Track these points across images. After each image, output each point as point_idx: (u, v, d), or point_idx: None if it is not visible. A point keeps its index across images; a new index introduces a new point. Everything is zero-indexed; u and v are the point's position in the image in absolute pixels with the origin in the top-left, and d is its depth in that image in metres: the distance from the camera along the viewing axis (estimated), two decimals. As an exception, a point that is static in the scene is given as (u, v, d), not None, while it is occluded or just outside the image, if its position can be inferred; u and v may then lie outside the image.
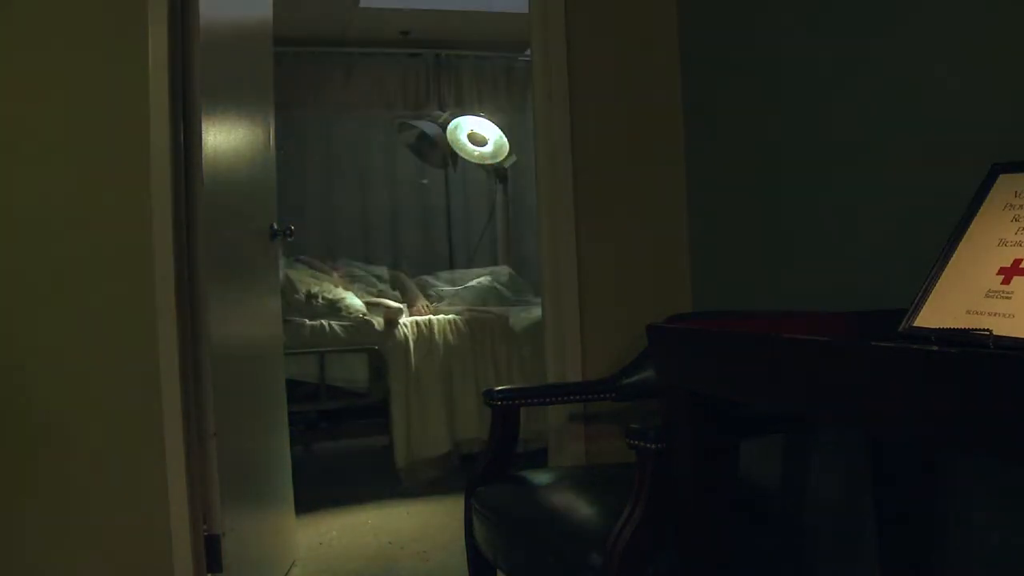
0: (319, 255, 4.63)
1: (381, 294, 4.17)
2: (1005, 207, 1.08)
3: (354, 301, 3.88)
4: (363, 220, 5.46)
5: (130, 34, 2.00)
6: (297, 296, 3.70)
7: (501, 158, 3.97)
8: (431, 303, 3.98)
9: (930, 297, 1.09)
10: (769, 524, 1.58)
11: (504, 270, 4.37)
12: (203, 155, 2.06)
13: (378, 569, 2.65)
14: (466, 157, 3.82)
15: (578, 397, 2.17)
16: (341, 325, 3.65)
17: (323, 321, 3.67)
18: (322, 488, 3.59)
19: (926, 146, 1.49)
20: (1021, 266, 1.01)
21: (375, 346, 3.57)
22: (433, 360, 3.55)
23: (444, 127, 4.44)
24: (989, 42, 1.35)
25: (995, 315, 0.99)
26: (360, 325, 3.64)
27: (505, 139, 3.91)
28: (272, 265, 2.72)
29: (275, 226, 2.62)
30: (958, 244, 1.11)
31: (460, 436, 3.55)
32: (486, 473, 1.86)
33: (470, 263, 5.29)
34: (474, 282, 4.06)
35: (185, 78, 2.05)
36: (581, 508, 1.61)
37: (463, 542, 1.86)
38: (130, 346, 2.01)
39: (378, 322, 3.63)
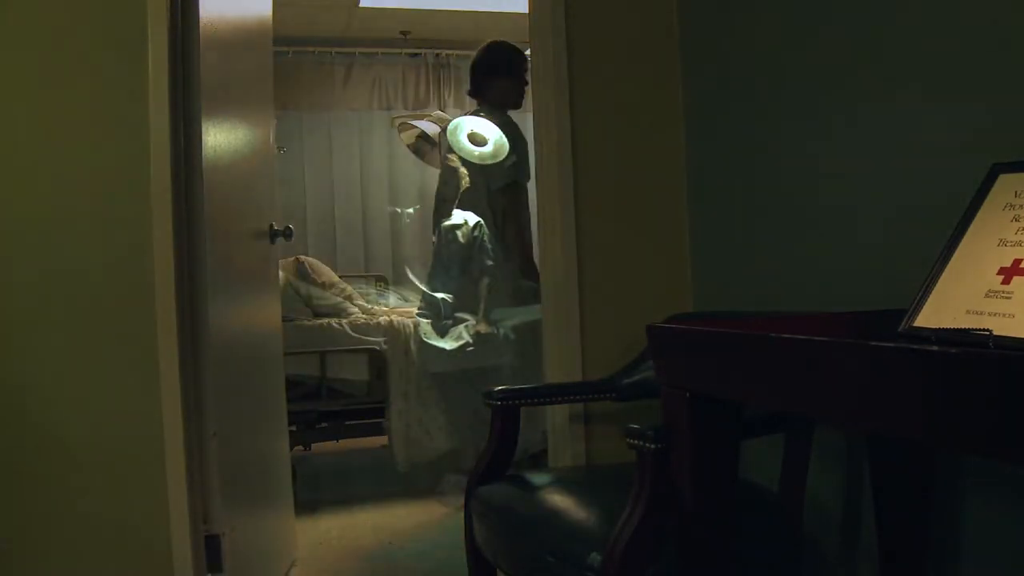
0: (318, 255, 4.63)
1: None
2: (1005, 207, 1.08)
3: (352, 308, 3.89)
4: (363, 220, 5.46)
5: (130, 33, 2.00)
6: (293, 294, 3.71)
7: (501, 158, 3.96)
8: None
9: (930, 297, 1.09)
10: (769, 524, 1.57)
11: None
12: (203, 155, 2.06)
13: (378, 569, 2.65)
14: (466, 157, 3.81)
15: (578, 397, 2.17)
16: (345, 322, 3.65)
17: (327, 320, 3.67)
18: (322, 488, 3.60)
19: (926, 146, 1.49)
20: (1021, 266, 1.01)
21: (376, 346, 3.58)
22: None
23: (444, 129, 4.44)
24: (990, 41, 1.35)
25: (995, 315, 0.99)
26: (365, 324, 3.65)
27: (505, 139, 3.90)
28: (272, 265, 2.72)
29: (275, 226, 2.63)
30: (958, 244, 1.11)
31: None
32: (486, 473, 1.86)
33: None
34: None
35: (185, 78, 2.05)
36: (581, 508, 1.61)
37: (463, 542, 1.86)
38: (130, 346, 2.01)
39: (383, 320, 3.64)
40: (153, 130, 2.00)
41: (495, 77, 3.63)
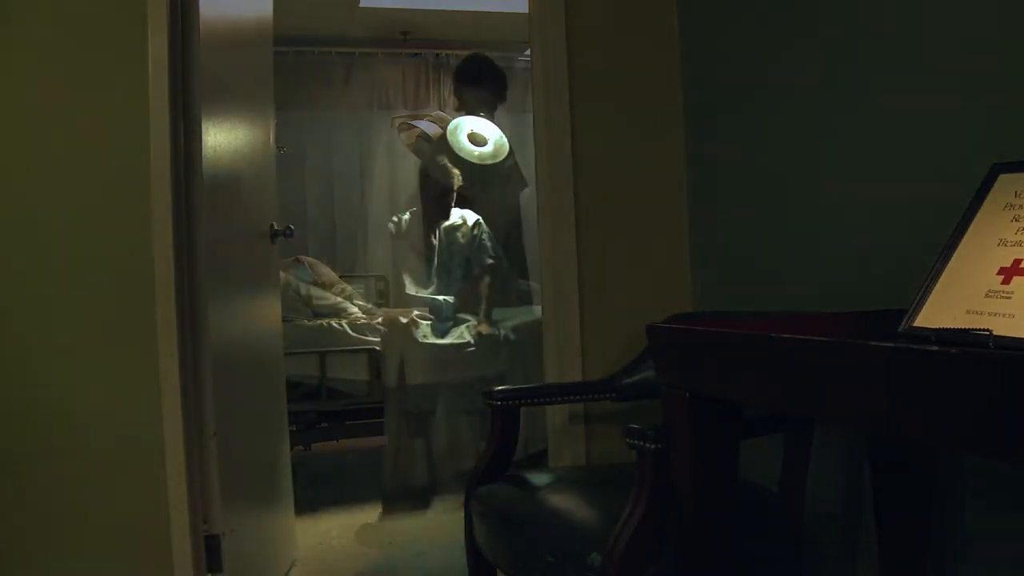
0: (318, 255, 4.63)
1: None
2: (1005, 207, 1.08)
3: (352, 308, 3.88)
4: (363, 220, 5.46)
5: (130, 34, 2.00)
6: (293, 294, 3.71)
7: (501, 158, 3.97)
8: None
9: (930, 297, 1.09)
10: (769, 524, 1.57)
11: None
12: (203, 155, 2.06)
13: (378, 569, 2.65)
14: (466, 157, 3.82)
15: (578, 397, 2.17)
16: (345, 322, 3.65)
17: (327, 320, 3.67)
18: (322, 488, 3.60)
19: (926, 146, 1.49)
20: (1021, 266, 1.01)
21: (376, 346, 3.57)
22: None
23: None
24: (989, 41, 1.35)
25: (995, 315, 0.99)
26: (365, 324, 3.64)
27: (505, 139, 3.91)
28: (272, 265, 2.72)
29: (275, 226, 2.62)
30: (958, 244, 1.11)
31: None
32: (486, 473, 1.86)
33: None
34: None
35: (185, 78, 2.05)
36: (581, 508, 1.61)
37: (463, 542, 1.86)
38: (130, 346, 2.00)
39: (382, 320, 3.64)
40: (153, 130, 2.00)
41: (468, 86, 3.99)
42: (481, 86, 3.95)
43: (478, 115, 3.85)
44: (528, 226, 3.97)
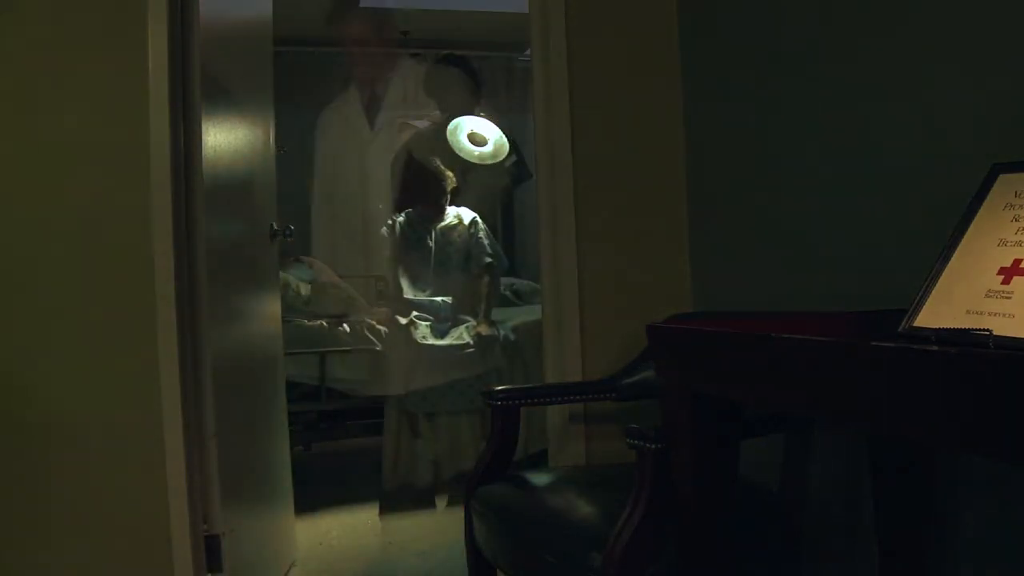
0: (319, 255, 4.62)
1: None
2: (1005, 207, 1.08)
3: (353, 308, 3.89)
4: (362, 221, 5.46)
5: (130, 33, 2.00)
6: (294, 294, 3.71)
7: (501, 158, 3.98)
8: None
9: (930, 297, 1.09)
10: (769, 524, 1.57)
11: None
12: (203, 155, 2.06)
13: (378, 569, 2.65)
14: (466, 157, 3.82)
15: (578, 397, 2.17)
16: (344, 323, 3.65)
17: (327, 320, 3.66)
18: (322, 488, 3.60)
19: (926, 146, 1.49)
20: (1021, 266, 1.00)
21: (376, 346, 3.57)
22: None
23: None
24: (989, 41, 1.35)
25: (995, 315, 0.99)
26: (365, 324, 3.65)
27: (505, 139, 3.91)
28: (272, 265, 2.72)
29: (275, 226, 2.63)
30: (958, 244, 1.11)
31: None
32: (486, 473, 1.86)
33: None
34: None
35: (185, 78, 2.05)
36: (581, 508, 1.61)
37: (463, 542, 1.86)
38: (130, 346, 2.01)
39: (379, 323, 3.64)
40: (153, 130, 2.00)
41: (439, 88, 4.21)
42: (454, 86, 3.93)
43: (476, 115, 3.85)
44: (526, 226, 3.97)
